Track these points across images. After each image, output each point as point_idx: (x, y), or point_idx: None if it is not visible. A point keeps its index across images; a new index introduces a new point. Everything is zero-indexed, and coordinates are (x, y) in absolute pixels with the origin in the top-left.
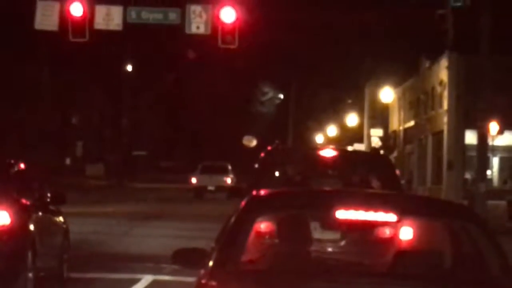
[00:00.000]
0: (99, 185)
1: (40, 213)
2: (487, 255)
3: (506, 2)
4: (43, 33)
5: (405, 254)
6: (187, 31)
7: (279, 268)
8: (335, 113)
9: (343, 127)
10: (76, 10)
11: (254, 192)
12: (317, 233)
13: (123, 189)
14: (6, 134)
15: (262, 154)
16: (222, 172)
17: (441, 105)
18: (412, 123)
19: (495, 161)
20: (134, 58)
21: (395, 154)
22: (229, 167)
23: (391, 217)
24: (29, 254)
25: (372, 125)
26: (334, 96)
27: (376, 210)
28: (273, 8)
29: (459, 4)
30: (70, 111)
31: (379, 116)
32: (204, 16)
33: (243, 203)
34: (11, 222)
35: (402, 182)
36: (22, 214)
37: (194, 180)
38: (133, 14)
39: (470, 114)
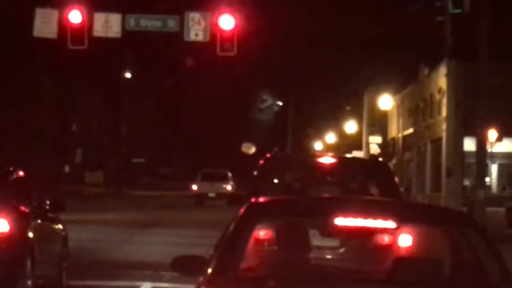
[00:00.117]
0: (98, 193)
1: (39, 221)
2: (486, 262)
3: (505, 9)
4: (42, 41)
5: (404, 261)
6: (185, 39)
7: (278, 275)
8: (334, 120)
9: (342, 134)
10: (75, 17)
11: (253, 200)
12: (316, 240)
13: (122, 196)
14: (5, 142)
15: (261, 162)
16: (222, 179)
17: (440, 112)
18: (411, 130)
19: (494, 168)
20: (133, 66)
21: (394, 161)
22: (229, 174)
23: (390, 224)
24: (28, 262)
25: (371, 132)
26: (333, 103)
27: (375, 217)
28: (272, 15)
29: (458, 11)
30: (69, 118)
31: (378, 123)
32: (202, 23)
33: (242, 210)
34: (10, 229)
35: (401, 189)
36: (21, 222)
37: (195, 187)
38: (131, 21)
39: (469, 121)
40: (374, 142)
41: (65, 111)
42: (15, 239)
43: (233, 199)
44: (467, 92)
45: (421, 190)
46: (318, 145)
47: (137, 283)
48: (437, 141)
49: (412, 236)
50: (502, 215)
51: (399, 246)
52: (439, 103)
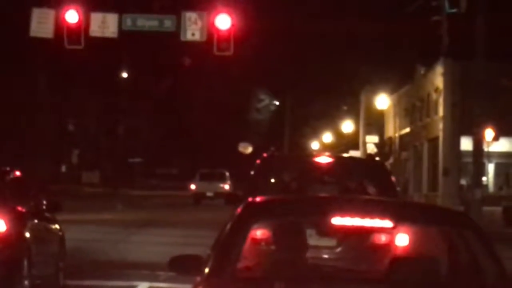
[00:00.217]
0: (95, 192)
1: (36, 221)
2: (484, 262)
3: (501, 8)
4: (39, 41)
5: (401, 261)
6: (182, 38)
7: (275, 275)
8: (331, 120)
9: (338, 134)
10: (72, 17)
11: (250, 199)
12: (313, 239)
13: (119, 196)
14: (2, 142)
15: (258, 161)
16: (220, 179)
17: (436, 112)
18: (407, 129)
19: (491, 167)
20: (130, 65)
21: (391, 160)
22: (227, 174)
23: (387, 223)
24: (25, 262)
25: (368, 131)
26: (330, 103)
27: (372, 217)
28: (269, 14)
29: (454, 10)
30: (66, 118)
31: (375, 123)
32: (199, 23)
33: (239, 210)
34: (7, 229)
35: (398, 188)
36: (18, 222)
37: (193, 187)
38: (128, 21)
39: (465, 120)
40: (371, 142)
41: (62, 111)
42: (12, 239)
43: (230, 198)
44: (463, 92)
45: (418, 190)
46: (315, 145)
47: (134, 283)
48: (433, 141)
49: (409, 235)
50: (499, 214)
51: (396, 246)
52: (436, 103)
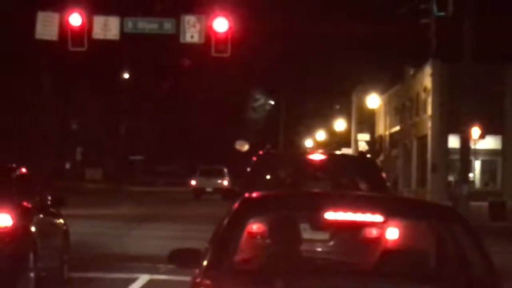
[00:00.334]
0: (97, 189)
1: (41, 216)
2: (471, 256)
3: (488, 11)
4: (44, 43)
5: (391, 254)
6: (181, 40)
7: (270, 267)
8: (324, 118)
9: (331, 132)
10: (75, 20)
11: (246, 194)
12: (307, 233)
13: (121, 192)
14: (9, 140)
15: (254, 158)
16: (219, 175)
17: (425, 111)
18: (397, 128)
19: (477, 164)
20: (131, 67)
21: (381, 157)
22: (226, 171)
23: (378, 218)
24: (31, 255)
25: (360, 130)
26: (323, 102)
27: (363, 212)
28: (264, 18)
29: (442, 13)
30: (70, 117)
31: (366, 121)
32: (198, 26)
33: (235, 205)
34: (13, 224)
35: (388, 184)
36: (24, 217)
37: (193, 182)
38: (129, 24)
39: (453, 119)
40: (362, 140)
41: (65, 110)
42: (19, 233)
43: (228, 193)
44: (451, 92)
45: (407, 185)
46: (308, 142)
47: (136, 275)
48: (422, 138)
49: (399, 229)
50: (485, 209)
51: (386, 239)
52: (425, 102)
